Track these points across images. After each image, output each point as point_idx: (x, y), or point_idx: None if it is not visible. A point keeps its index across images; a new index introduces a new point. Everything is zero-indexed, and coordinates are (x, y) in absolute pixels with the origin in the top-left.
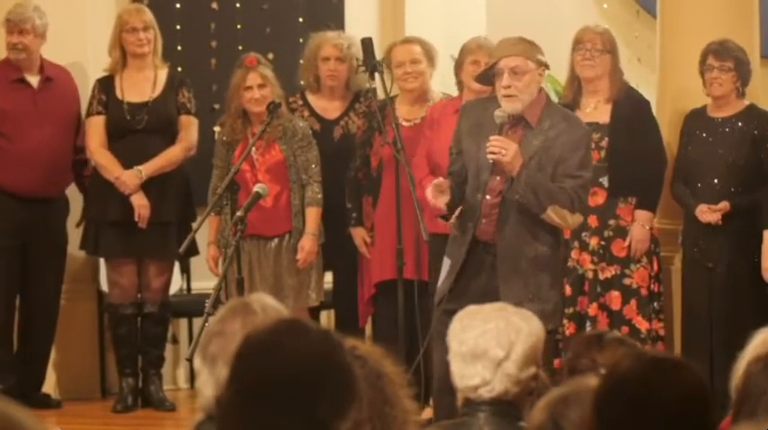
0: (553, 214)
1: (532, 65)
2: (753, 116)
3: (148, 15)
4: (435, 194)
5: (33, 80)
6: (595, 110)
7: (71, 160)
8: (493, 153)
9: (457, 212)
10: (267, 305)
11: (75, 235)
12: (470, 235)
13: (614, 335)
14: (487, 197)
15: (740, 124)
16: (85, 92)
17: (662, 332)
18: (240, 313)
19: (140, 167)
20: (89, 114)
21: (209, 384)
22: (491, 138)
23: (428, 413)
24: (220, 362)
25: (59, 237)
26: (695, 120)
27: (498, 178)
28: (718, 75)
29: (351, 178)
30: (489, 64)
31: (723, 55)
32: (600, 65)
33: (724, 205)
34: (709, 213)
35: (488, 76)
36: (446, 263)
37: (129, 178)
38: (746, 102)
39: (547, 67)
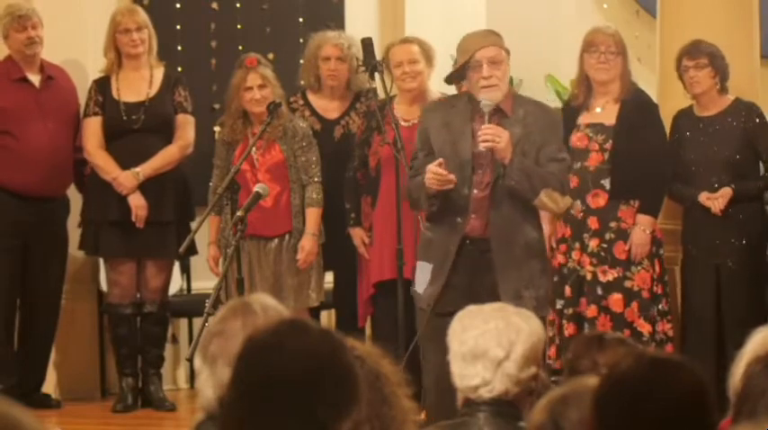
0: (546, 198)
1: (505, 54)
2: (740, 110)
3: (141, 15)
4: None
5: (35, 79)
6: (603, 110)
7: (73, 159)
8: (486, 141)
9: (428, 214)
10: (267, 305)
11: (74, 235)
12: (460, 232)
13: (615, 336)
14: (475, 191)
15: (729, 120)
16: (86, 92)
17: (671, 333)
18: (240, 313)
19: (138, 169)
20: (86, 115)
21: (210, 384)
22: (483, 126)
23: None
24: (220, 362)
25: (61, 237)
26: (684, 121)
27: (480, 171)
28: (695, 73)
29: (349, 178)
30: (461, 61)
31: (695, 53)
32: (614, 67)
33: (725, 191)
34: (710, 200)
35: (458, 74)
36: (423, 267)
37: (126, 179)
38: (731, 97)
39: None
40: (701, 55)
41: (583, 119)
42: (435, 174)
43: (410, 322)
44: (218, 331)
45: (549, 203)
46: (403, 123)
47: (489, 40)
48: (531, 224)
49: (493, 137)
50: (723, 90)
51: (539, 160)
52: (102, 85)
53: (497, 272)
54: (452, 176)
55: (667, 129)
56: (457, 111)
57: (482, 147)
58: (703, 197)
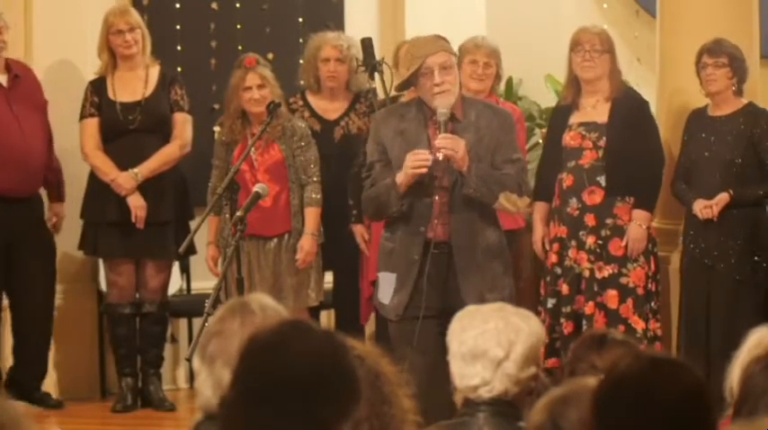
0: (505, 201)
1: (454, 59)
2: (751, 114)
3: (133, 16)
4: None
5: (2, 78)
6: (594, 109)
7: (45, 157)
8: (443, 151)
9: (387, 223)
10: (266, 305)
11: (73, 235)
12: (422, 239)
13: (616, 338)
14: (436, 197)
15: (738, 122)
16: (82, 93)
17: (659, 332)
18: (239, 313)
19: (136, 170)
20: (82, 117)
21: (208, 384)
22: (440, 136)
23: None
24: (219, 362)
25: (45, 235)
26: (696, 120)
27: (439, 176)
28: (713, 71)
29: (353, 175)
30: (411, 68)
31: (716, 52)
32: (600, 65)
33: (721, 197)
34: (705, 209)
35: (408, 82)
36: (387, 277)
37: (124, 180)
38: (745, 100)
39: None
40: (721, 54)
41: (574, 118)
42: (415, 156)
43: None
44: (217, 331)
45: (508, 205)
46: None
47: (438, 45)
48: (492, 226)
49: (450, 146)
50: (739, 92)
51: (494, 162)
52: (97, 86)
53: (459, 275)
54: (427, 154)
55: (662, 129)
56: (410, 119)
57: (439, 156)
58: (697, 208)
